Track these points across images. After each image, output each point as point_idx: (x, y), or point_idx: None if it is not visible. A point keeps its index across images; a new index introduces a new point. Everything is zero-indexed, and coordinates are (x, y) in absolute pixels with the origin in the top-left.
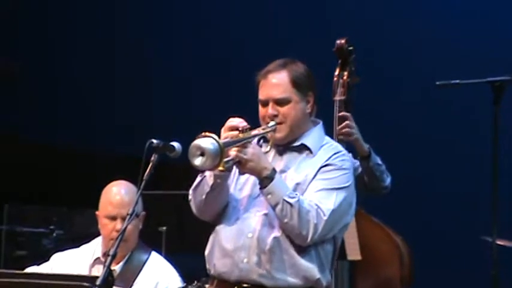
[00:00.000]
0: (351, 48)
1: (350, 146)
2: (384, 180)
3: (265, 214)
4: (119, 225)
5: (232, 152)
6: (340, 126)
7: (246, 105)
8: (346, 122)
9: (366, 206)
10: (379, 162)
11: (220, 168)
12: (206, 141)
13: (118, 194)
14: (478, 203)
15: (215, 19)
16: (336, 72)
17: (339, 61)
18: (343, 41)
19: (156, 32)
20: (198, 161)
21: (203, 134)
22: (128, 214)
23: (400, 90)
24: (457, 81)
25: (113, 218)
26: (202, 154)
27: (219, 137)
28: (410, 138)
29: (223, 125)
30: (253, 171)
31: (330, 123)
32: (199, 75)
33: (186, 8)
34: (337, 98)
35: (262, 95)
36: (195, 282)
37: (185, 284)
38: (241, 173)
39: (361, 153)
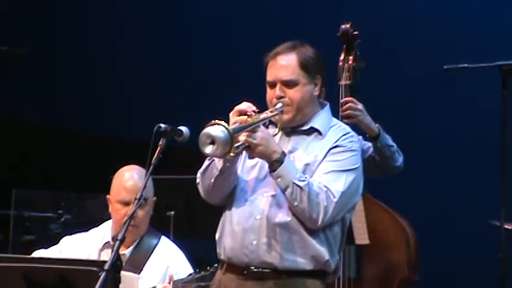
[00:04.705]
0: (355, 32)
1: (359, 129)
2: (395, 160)
3: (273, 195)
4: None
5: (242, 137)
6: (342, 108)
7: (251, 91)
8: (349, 104)
9: (373, 189)
10: (390, 142)
11: (231, 154)
12: (216, 129)
13: (131, 179)
14: (486, 187)
15: None
16: (341, 57)
17: (344, 46)
18: (348, 26)
19: (157, 23)
20: (208, 149)
21: (212, 121)
22: (135, 199)
23: (407, 74)
24: (465, 65)
25: (127, 204)
26: (212, 142)
27: (228, 123)
28: (418, 122)
29: (230, 110)
30: (262, 155)
31: (335, 107)
32: (206, 62)
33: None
34: (343, 82)
35: (270, 77)
36: (207, 267)
37: (197, 269)
38: (250, 157)
39: (369, 134)
